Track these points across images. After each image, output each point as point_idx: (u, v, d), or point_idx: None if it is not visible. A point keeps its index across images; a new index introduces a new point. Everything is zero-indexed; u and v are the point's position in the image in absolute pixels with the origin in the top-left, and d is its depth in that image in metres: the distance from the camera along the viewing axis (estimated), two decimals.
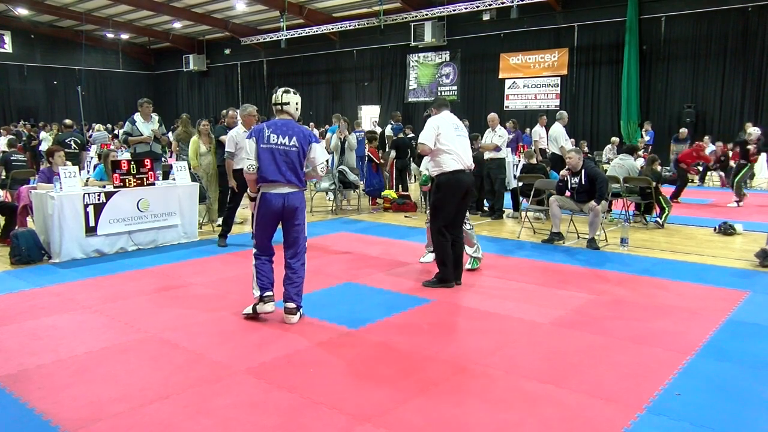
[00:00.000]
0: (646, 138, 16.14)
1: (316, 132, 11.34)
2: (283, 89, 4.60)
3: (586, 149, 16.09)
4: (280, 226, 4.68)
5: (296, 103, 4.62)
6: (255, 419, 3.10)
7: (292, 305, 4.59)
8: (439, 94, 21.30)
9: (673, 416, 3.12)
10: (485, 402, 3.29)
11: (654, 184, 8.65)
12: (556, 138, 10.35)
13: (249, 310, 4.68)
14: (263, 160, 4.45)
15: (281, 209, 4.50)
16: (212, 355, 3.96)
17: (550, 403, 3.27)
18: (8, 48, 26.88)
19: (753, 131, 11.07)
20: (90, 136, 18.97)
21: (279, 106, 4.58)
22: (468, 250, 6.02)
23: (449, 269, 5.53)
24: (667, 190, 10.29)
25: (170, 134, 11.41)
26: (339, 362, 3.84)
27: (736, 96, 15.76)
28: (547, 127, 11.37)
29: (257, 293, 4.61)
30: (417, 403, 3.28)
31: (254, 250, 4.67)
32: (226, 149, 7.34)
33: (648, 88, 17.08)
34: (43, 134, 17.19)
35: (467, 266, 5.99)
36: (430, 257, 6.32)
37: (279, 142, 4.45)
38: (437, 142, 5.43)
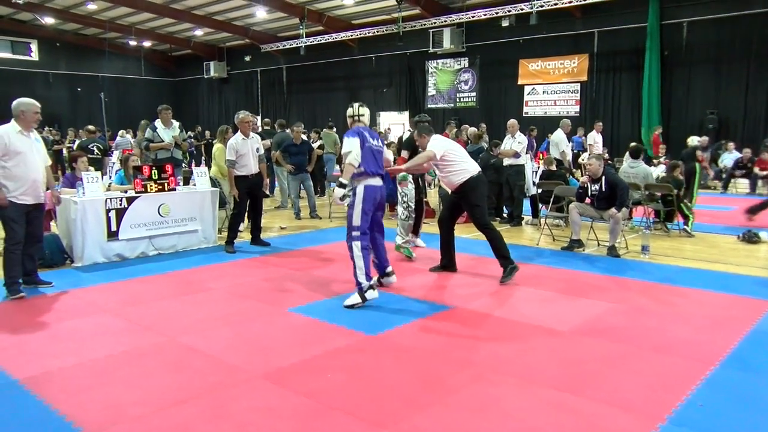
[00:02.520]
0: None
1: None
2: (358, 104, 5.64)
3: (606, 156, 15.96)
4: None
5: (368, 115, 5.64)
6: (272, 424, 3.11)
7: (391, 269, 5.73)
8: (458, 100, 21.29)
9: (696, 428, 3.07)
10: (503, 410, 3.27)
11: (675, 191, 8.53)
12: (557, 143, 10.60)
13: (356, 299, 5.10)
14: (365, 157, 5.19)
15: (381, 197, 5.37)
16: (230, 359, 3.98)
17: (568, 412, 3.23)
18: (35, 56, 27.42)
19: None
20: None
21: (356, 117, 5.53)
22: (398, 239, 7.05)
23: (506, 251, 5.98)
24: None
25: (191, 140, 11.51)
26: (356, 368, 3.84)
27: (761, 102, 15.49)
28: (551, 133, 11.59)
29: (366, 282, 5.11)
30: (434, 410, 3.26)
31: (355, 238, 5.16)
32: (227, 157, 7.39)
33: (669, 94, 16.87)
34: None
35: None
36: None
37: (373, 144, 5.34)
38: (446, 155, 5.96)
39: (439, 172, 6.20)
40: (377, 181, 5.29)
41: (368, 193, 5.21)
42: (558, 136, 10.87)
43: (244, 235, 8.15)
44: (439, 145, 5.97)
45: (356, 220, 5.18)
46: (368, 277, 5.15)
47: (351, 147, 5.12)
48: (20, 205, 5.39)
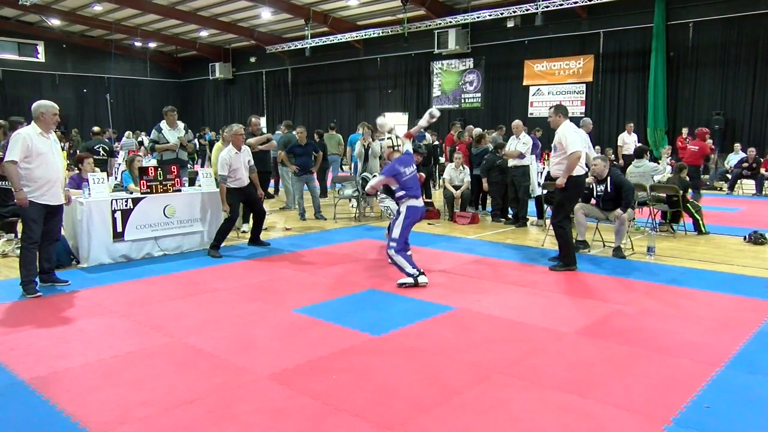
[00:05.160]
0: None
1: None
2: (396, 134, 6.33)
3: (612, 157, 15.93)
4: None
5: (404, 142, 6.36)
6: (278, 425, 3.12)
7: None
8: (463, 101, 21.28)
9: (702, 429, 3.06)
10: (509, 412, 3.26)
11: (681, 192, 8.50)
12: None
13: (409, 280, 5.84)
14: (407, 183, 6.05)
15: (420, 216, 6.24)
16: (236, 360, 3.99)
17: (574, 414, 3.23)
18: (41, 57, 27.60)
19: None
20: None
21: (395, 147, 6.25)
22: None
23: (573, 254, 6.54)
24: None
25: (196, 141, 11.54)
26: (362, 369, 3.84)
27: None
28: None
29: (415, 271, 5.84)
30: (440, 411, 3.26)
31: (396, 246, 5.93)
32: (219, 173, 7.34)
33: (675, 95, 16.83)
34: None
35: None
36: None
37: (407, 171, 6.09)
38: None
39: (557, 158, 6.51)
40: (419, 203, 6.10)
41: (413, 212, 6.07)
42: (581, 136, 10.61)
43: (249, 236, 8.16)
44: (574, 138, 6.40)
45: (395, 233, 5.98)
46: (414, 268, 5.85)
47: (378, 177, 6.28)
48: (41, 206, 5.45)
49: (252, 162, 7.68)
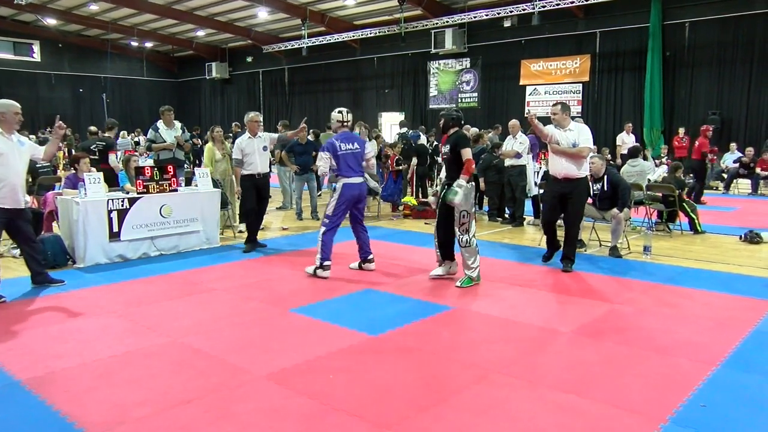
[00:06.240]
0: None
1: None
2: (346, 110, 6.43)
3: (608, 156, 15.95)
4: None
5: (351, 120, 6.54)
6: (275, 425, 3.11)
7: (372, 257, 6.48)
8: (459, 101, 21.28)
9: (699, 428, 3.07)
10: (506, 411, 3.27)
11: (677, 192, 8.53)
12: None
13: (310, 270, 6.20)
14: (341, 164, 6.14)
15: (359, 193, 6.28)
16: (233, 360, 3.99)
17: (572, 413, 3.23)
18: (37, 57, 27.47)
19: None
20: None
21: (346, 123, 6.39)
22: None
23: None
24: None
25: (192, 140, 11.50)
26: (359, 369, 3.84)
27: (764, 102, 15.45)
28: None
29: (320, 261, 6.08)
30: (437, 411, 3.26)
31: (328, 224, 6.15)
32: (233, 156, 7.44)
33: (672, 94, 16.85)
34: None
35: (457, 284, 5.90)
36: (441, 271, 6.18)
37: (346, 148, 6.19)
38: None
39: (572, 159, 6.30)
40: (355, 180, 6.20)
41: (346, 191, 6.17)
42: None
43: (246, 236, 8.15)
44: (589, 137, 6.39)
45: (328, 210, 6.20)
46: (324, 259, 6.09)
47: (323, 159, 6.15)
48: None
49: (268, 148, 7.71)
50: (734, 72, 15.81)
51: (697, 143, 12.53)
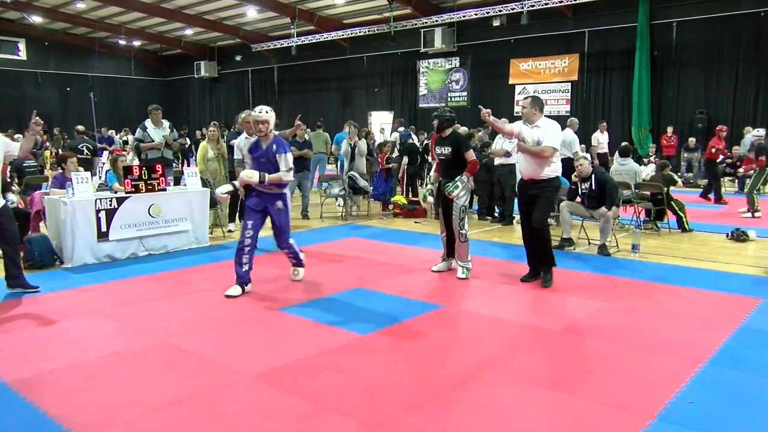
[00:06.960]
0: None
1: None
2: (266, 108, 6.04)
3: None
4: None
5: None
6: (265, 425, 3.11)
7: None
8: (449, 100, 21.32)
9: (686, 424, 3.10)
10: (497, 409, 3.28)
11: (665, 190, 8.59)
12: (570, 143, 10.31)
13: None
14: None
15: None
16: (223, 360, 3.97)
17: (561, 411, 3.25)
18: (23, 55, 27.20)
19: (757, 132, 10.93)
20: (103, 142, 19.12)
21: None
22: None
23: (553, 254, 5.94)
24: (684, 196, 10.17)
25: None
26: (349, 368, 3.84)
27: (749, 102, 15.64)
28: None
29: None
30: (428, 410, 3.27)
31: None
32: (235, 157, 7.39)
33: (659, 94, 16.98)
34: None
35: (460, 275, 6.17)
36: (443, 266, 6.38)
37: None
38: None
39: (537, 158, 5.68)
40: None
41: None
42: (569, 136, 10.16)
43: (235, 235, 8.11)
44: (557, 136, 5.74)
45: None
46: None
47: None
48: None
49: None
50: (721, 71, 15.97)
51: (712, 145, 12.41)
